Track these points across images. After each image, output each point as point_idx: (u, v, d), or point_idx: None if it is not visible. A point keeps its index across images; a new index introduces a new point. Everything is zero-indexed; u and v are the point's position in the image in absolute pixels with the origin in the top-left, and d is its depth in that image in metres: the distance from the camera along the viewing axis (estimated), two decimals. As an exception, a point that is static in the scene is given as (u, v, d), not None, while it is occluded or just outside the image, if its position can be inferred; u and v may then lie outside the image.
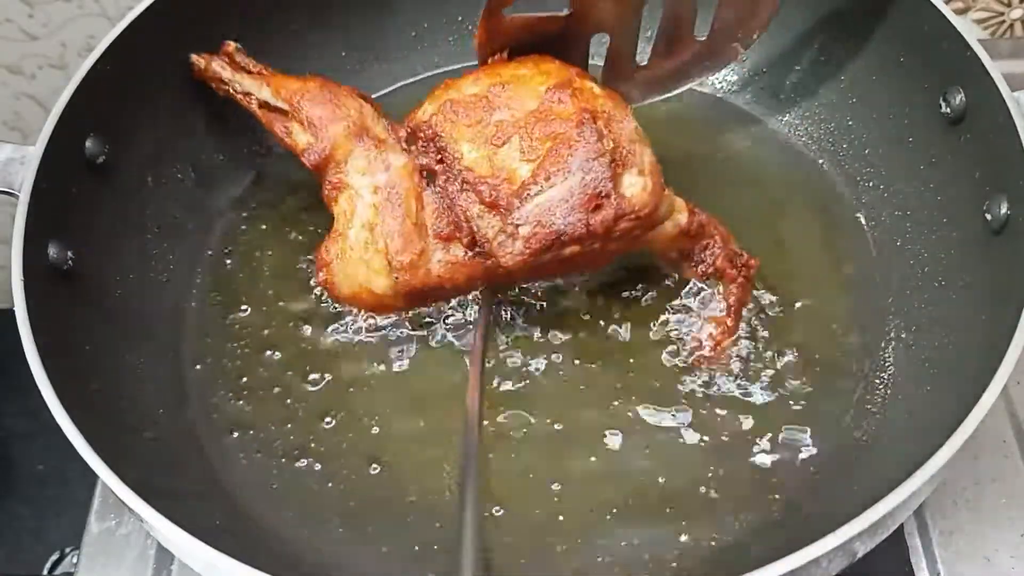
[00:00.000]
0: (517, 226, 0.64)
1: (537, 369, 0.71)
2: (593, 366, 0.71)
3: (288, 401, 0.71)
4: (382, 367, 0.72)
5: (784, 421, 0.68)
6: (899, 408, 0.67)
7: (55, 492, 1.00)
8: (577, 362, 0.71)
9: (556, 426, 0.69)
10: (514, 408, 0.69)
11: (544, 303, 0.74)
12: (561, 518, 0.65)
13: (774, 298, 0.74)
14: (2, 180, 0.66)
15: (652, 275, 0.74)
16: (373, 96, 0.78)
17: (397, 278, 0.66)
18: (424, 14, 0.90)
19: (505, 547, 0.64)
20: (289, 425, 0.70)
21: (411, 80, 0.90)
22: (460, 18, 0.91)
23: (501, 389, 0.70)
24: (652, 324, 0.73)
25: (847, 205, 0.80)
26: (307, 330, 0.74)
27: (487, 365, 0.70)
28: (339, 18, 0.87)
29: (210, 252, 0.79)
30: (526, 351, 0.72)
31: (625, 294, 0.74)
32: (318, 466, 0.68)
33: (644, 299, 0.74)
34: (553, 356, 0.72)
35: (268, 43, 0.83)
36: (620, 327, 0.73)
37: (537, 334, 0.72)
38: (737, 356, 0.71)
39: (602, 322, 0.73)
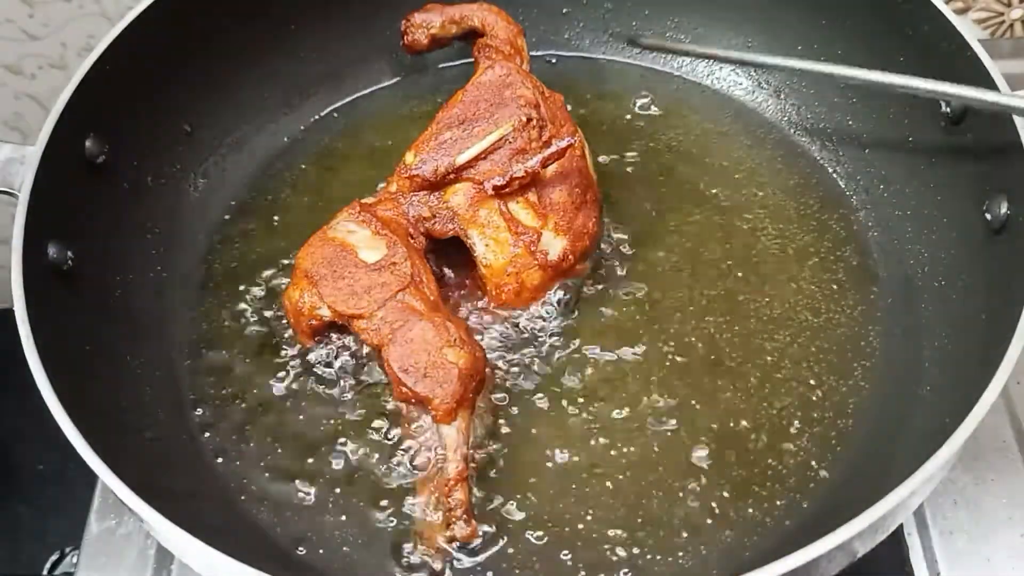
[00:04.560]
0: None
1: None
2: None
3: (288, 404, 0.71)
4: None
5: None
6: (899, 408, 0.67)
7: (55, 492, 1.00)
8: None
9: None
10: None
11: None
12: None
13: (769, 298, 0.74)
14: (2, 180, 0.66)
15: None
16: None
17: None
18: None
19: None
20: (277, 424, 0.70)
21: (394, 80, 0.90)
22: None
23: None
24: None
25: (847, 205, 0.80)
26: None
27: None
28: (338, 14, 0.87)
29: (209, 252, 0.79)
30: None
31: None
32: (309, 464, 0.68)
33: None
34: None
35: (264, 39, 0.84)
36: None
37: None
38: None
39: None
